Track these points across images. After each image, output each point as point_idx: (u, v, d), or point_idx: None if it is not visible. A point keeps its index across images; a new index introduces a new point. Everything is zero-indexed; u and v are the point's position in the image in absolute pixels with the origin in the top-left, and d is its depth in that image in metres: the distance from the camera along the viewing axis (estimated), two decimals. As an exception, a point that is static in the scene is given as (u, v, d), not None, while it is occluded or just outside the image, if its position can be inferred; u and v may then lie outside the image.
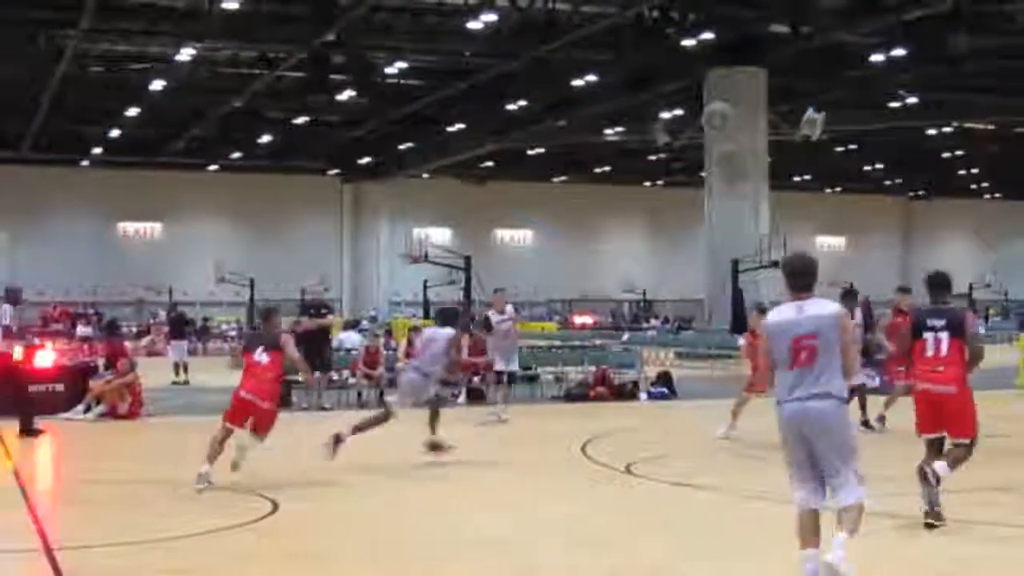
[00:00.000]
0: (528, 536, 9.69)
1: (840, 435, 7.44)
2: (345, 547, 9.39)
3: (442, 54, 39.31)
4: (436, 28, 35.41)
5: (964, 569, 8.55)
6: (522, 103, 45.07)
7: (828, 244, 74.40)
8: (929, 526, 9.45)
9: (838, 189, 73.95)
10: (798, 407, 7.41)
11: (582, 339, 40.72)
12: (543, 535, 9.73)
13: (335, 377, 21.84)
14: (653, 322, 59.38)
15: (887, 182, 71.90)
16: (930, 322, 10.00)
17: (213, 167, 61.86)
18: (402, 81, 42.68)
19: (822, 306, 7.55)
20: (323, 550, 9.20)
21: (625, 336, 42.91)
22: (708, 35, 35.32)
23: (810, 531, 7.36)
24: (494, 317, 19.47)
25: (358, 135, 53.17)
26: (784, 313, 7.61)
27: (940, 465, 9.59)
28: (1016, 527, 9.82)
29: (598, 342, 34.41)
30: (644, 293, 68.27)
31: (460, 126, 50.89)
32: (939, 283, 10.30)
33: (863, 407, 16.24)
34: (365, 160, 60.98)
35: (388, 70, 40.39)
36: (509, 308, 19.76)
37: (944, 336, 9.88)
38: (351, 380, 22.18)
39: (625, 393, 22.98)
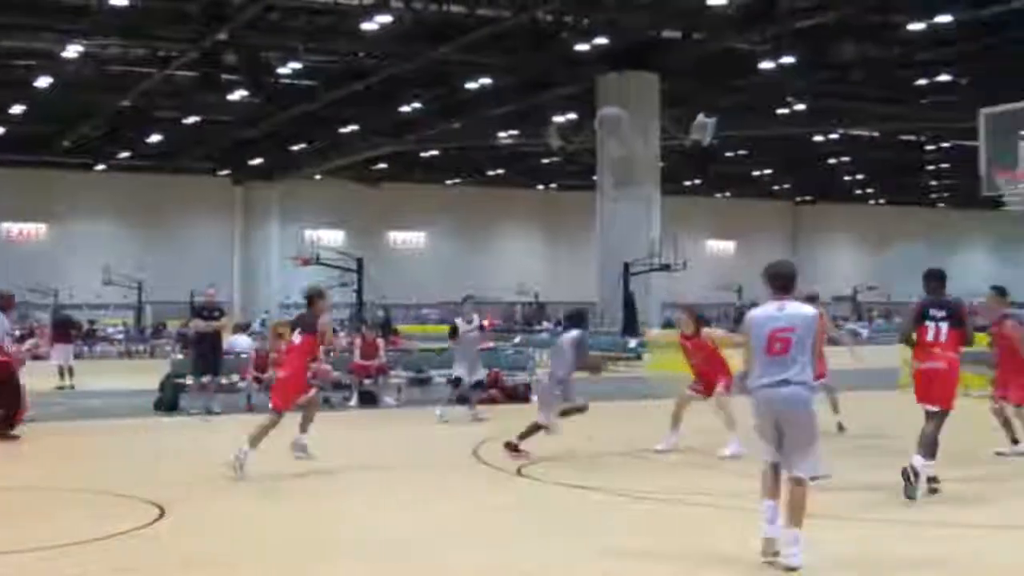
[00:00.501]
0: (425, 537, 9.64)
1: (806, 419, 8.58)
2: (236, 552, 9.21)
3: (336, 55, 39.10)
4: (330, 28, 35.19)
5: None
6: (416, 105, 45.02)
7: (718, 248, 75.38)
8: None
9: (728, 194, 74.89)
10: (771, 392, 8.53)
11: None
12: (439, 536, 9.70)
13: (224, 381, 21.52)
14: (546, 324, 59.56)
15: (775, 187, 73.04)
16: (932, 312, 11.61)
17: (101, 166, 60.79)
18: (295, 81, 42.36)
19: (800, 307, 8.79)
20: (213, 555, 9.03)
21: (517, 338, 42.99)
22: (602, 40, 35.60)
23: (772, 485, 8.50)
24: (462, 326, 19.35)
25: (250, 135, 52.61)
26: (766, 309, 8.77)
27: (917, 460, 10.94)
28: (908, 523, 10.02)
29: (491, 344, 34.39)
30: (537, 296, 68.50)
31: (354, 127, 50.65)
32: (937, 277, 11.94)
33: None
34: (257, 161, 60.36)
35: (281, 70, 40.10)
36: (476, 317, 19.61)
37: (944, 325, 11.49)
38: (240, 384, 21.88)
39: (518, 395, 22.99)
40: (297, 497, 11.83)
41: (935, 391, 11.36)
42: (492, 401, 22.28)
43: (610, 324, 39.05)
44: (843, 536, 9.40)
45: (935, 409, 11.32)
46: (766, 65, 37.45)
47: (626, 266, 37.71)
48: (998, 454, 14.03)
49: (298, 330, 12.93)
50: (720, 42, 35.73)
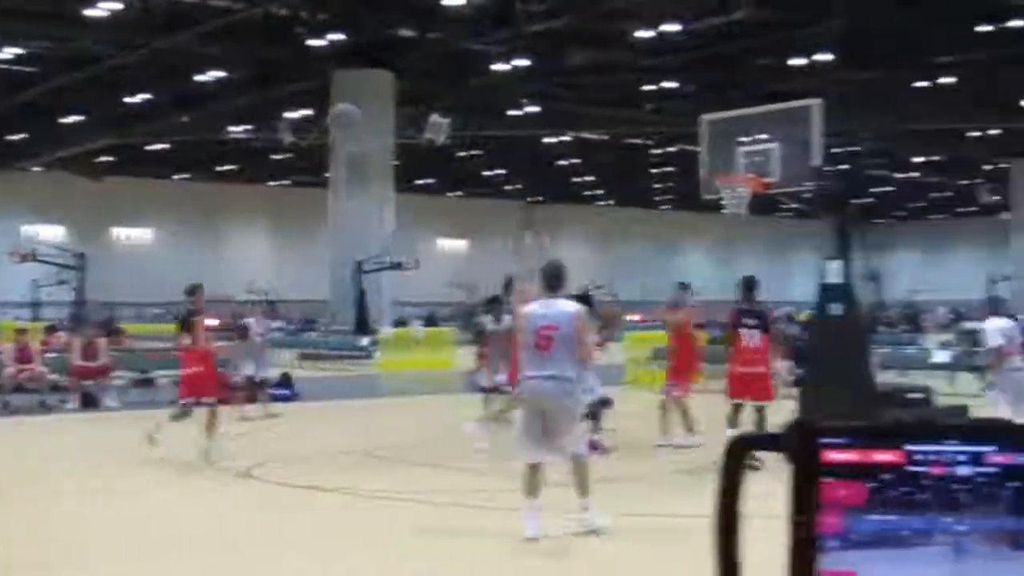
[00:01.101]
0: (151, 543, 9.40)
1: (567, 409, 9.18)
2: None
3: (58, 41, 37.59)
4: (52, 14, 33.83)
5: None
6: (144, 96, 43.75)
7: (450, 246, 76.02)
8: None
9: (461, 193, 75.63)
10: (537, 383, 9.10)
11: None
12: (169, 542, 9.46)
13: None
14: (277, 323, 58.83)
15: (508, 187, 74.15)
16: (746, 320, 13.22)
17: None
18: (14, 68, 40.54)
19: (565, 305, 9.36)
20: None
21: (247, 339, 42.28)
22: (337, 36, 35.39)
23: (533, 485, 9.02)
24: (252, 326, 19.07)
25: (-36, 124, 50.13)
26: (535, 307, 9.38)
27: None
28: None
29: (221, 344, 33.73)
30: (267, 294, 67.56)
31: (77, 118, 48.82)
32: (748, 286, 13.90)
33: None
34: (-29, 151, 57.54)
35: (-1, 55, 38.36)
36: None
37: (756, 332, 13.14)
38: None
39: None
40: (16, 504, 11.36)
41: (754, 389, 13.08)
42: (221, 401, 21.83)
43: (342, 323, 38.89)
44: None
45: (761, 404, 13.00)
46: (500, 67, 37.96)
47: (358, 264, 37.64)
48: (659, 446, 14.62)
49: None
50: (455, 43, 36.05)
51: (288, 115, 40.91)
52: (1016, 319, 14.60)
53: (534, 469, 9.10)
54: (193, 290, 14.94)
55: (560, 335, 9.10)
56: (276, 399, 22.53)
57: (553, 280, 9.52)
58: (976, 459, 1.73)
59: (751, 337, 13.30)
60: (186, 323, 14.64)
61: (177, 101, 44.16)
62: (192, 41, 34.28)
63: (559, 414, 9.13)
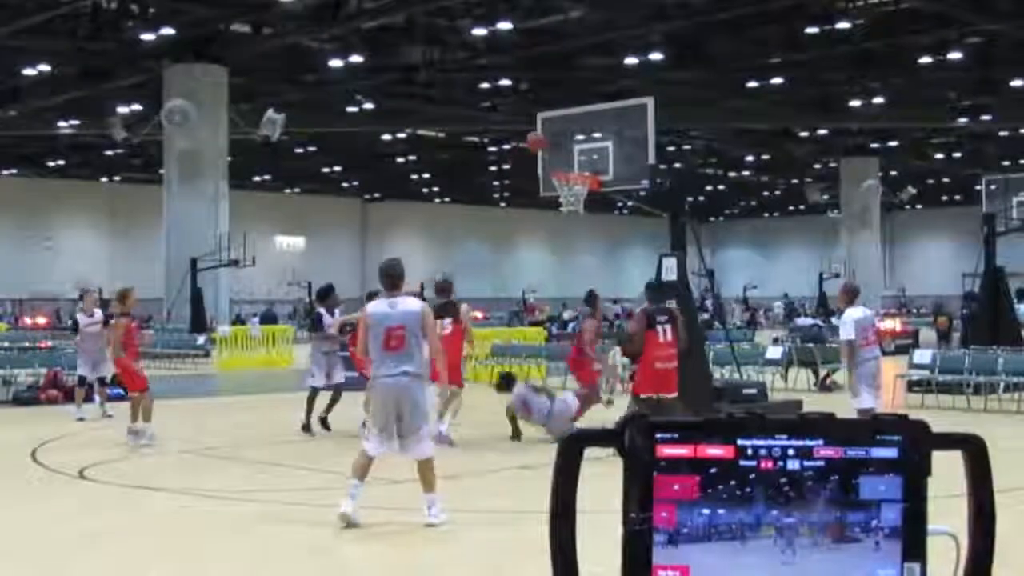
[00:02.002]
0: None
1: (419, 404, 9.41)
2: None
3: None
4: None
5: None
6: (-33, 90, 42.32)
7: (288, 243, 75.22)
8: None
9: (297, 189, 74.93)
10: (390, 382, 9.27)
11: (33, 340, 38.74)
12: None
13: None
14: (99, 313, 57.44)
15: (344, 184, 73.67)
16: (659, 318, 13.58)
17: None
18: None
19: (410, 303, 9.56)
20: None
21: (78, 336, 41.26)
22: (168, 30, 34.71)
23: (365, 470, 9.30)
24: (82, 319, 18.54)
25: None
26: (380, 307, 9.57)
27: None
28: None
29: (50, 343, 32.88)
30: (101, 291, 65.92)
31: None
32: (654, 288, 14.48)
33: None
34: None
35: None
36: (97, 312, 18.85)
37: (668, 327, 13.52)
38: None
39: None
40: None
41: (671, 383, 13.36)
42: (51, 401, 21.35)
43: (177, 321, 38.22)
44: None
45: (672, 396, 13.26)
46: (335, 63, 37.66)
47: (193, 262, 37.03)
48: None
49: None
50: (289, 38, 35.70)
51: (120, 110, 40.01)
52: (839, 312, 15.05)
53: (370, 459, 9.35)
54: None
55: (408, 333, 9.32)
56: (109, 398, 22.06)
57: (394, 279, 9.66)
58: (804, 453, 1.78)
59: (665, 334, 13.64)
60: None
61: (2, 95, 42.81)
62: (18, 33, 33.25)
63: (411, 409, 9.30)
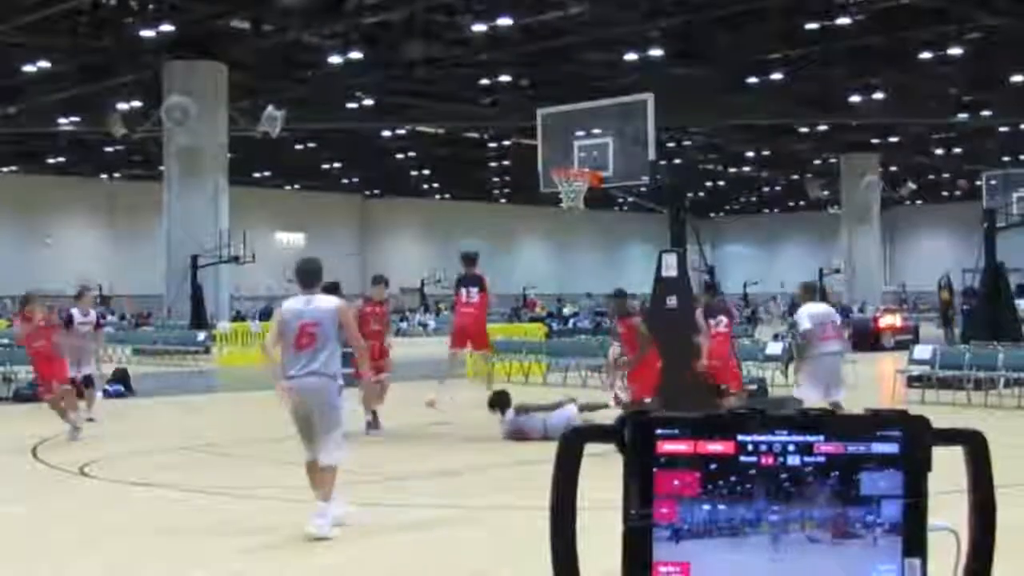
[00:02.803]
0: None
1: (330, 407, 9.01)
2: None
3: None
4: None
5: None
6: (-34, 87, 42.28)
7: (288, 240, 75.16)
8: None
9: (297, 186, 74.89)
10: (301, 381, 8.92)
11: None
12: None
13: None
14: (110, 318, 57.53)
15: (344, 180, 73.63)
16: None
17: None
18: None
19: (326, 301, 9.22)
20: None
21: (68, 333, 41.17)
22: (168, 27, 34.67)
23: (313, 480, 9.04)
24: (77, 317, 18.52)
25: None
26: (294, 304, 9.24)
27: None
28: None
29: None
30: (101, 288, 65.99)
31: None
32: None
33: None
34: None
35: None
36: (92, 311, 18.70)
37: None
38: None
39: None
40: None
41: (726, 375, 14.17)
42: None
43: (178, 317, 38.22)
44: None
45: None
46: (334, 59, 37.61)
47: (194, 258, 37.02)
48: None
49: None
50: (289, 34, 35.66)
51: (120, 107, 39.98)
52: (839, 308, 15.16)
53: (312, 466, 9.11)
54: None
55: (321, 332, 8.99)
56: (109, 395, 22.08)
57: (310, 276, 9.44)
58: (805, 449, 1.78)
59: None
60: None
61: (3, 92, 42.78)
62: (19, 31, 33.23)
63: (322, 412, 9.02)
